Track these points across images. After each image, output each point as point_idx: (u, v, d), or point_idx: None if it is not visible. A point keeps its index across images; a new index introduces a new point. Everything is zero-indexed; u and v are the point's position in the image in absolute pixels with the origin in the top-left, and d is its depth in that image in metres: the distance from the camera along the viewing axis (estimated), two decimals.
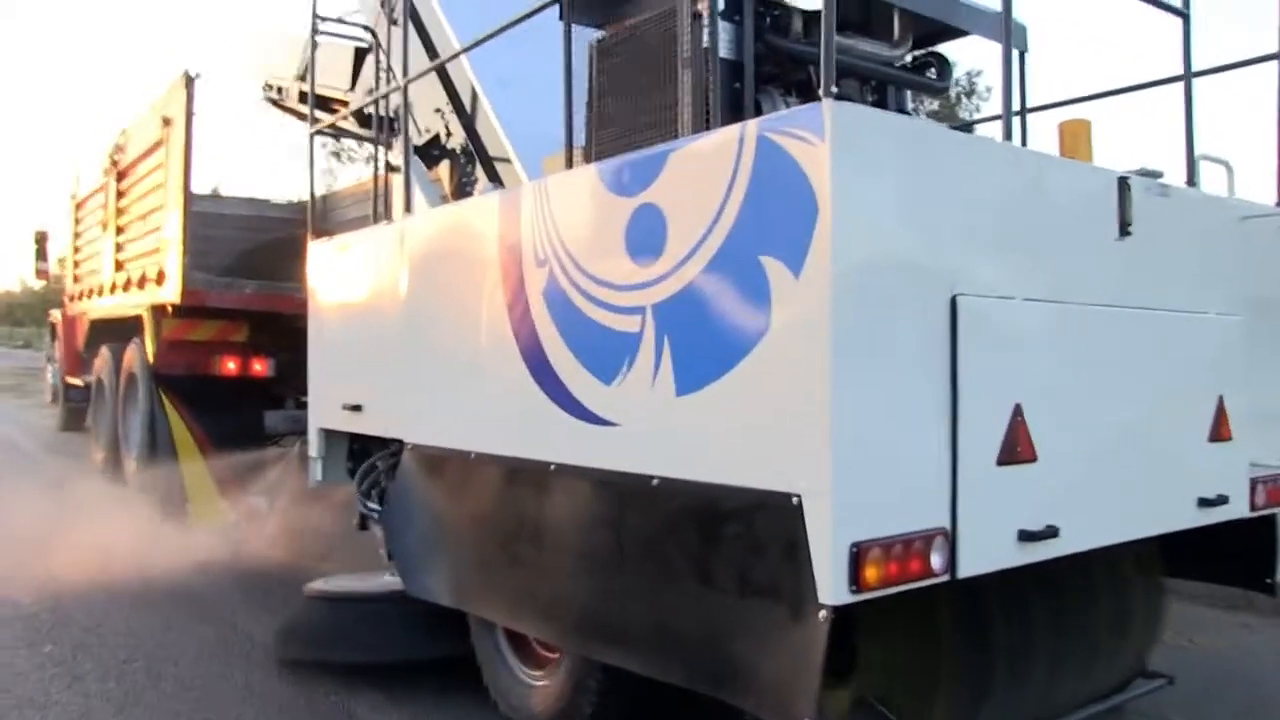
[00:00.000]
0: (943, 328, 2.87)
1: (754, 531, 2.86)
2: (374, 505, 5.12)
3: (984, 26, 4.05)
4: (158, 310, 8.74)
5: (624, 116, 3.79)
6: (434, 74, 5.51)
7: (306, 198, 6.48)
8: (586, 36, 3.99)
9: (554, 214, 3.67)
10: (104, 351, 10.72)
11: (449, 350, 4.39)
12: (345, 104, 7.15)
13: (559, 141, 3.94)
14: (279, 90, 8.91)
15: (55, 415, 15.76)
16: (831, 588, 2.60)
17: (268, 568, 7.04)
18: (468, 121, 5.58)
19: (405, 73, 5.09)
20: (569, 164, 3.88)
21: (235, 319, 8.70)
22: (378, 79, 6.41)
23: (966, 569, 2.85)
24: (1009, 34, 3.28)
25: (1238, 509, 3.83)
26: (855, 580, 2.62)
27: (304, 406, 6.03)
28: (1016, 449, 2.99)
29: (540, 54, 4.29)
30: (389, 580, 4.95)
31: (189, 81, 8.42)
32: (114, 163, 10.62)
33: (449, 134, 5.80)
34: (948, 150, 3.09)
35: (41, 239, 16.44)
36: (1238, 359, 3.87)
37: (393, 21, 6.01)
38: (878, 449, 2.73)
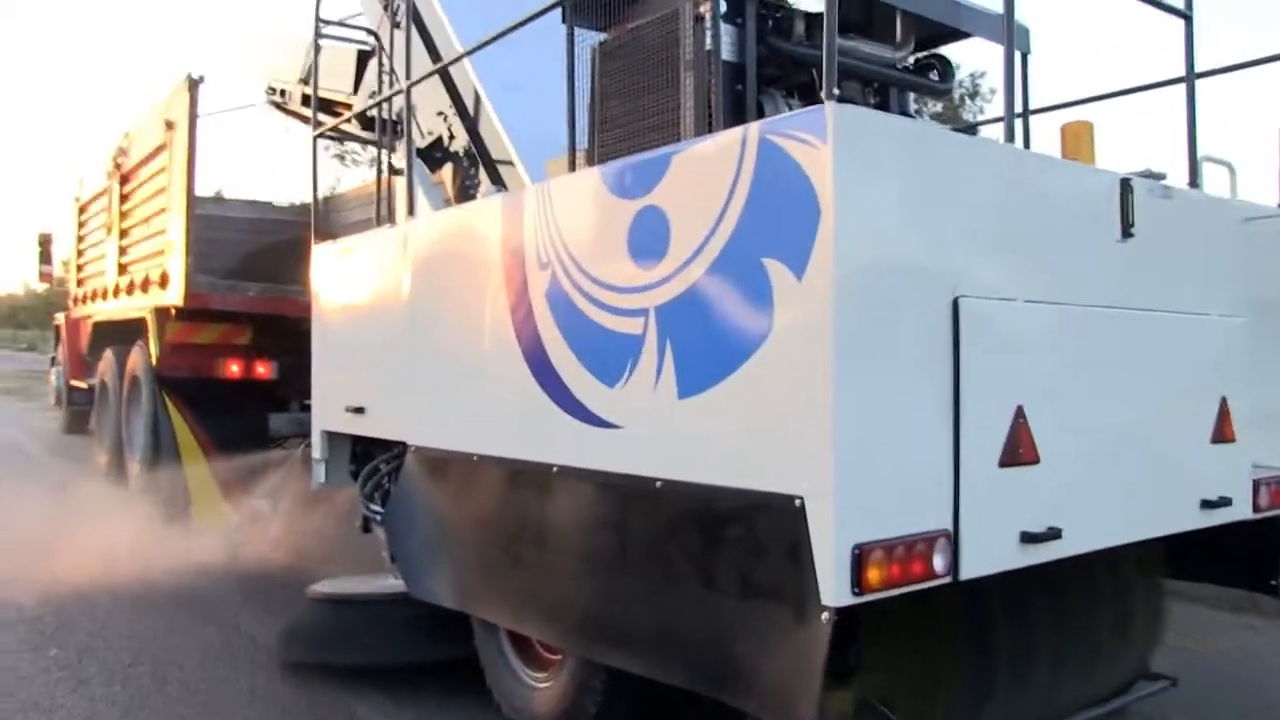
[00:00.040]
0: (945, 330, 2.87)
1: (756, 533, 2.86)
2: (377, 507, 5.13)
3: (986, 28, 4.06)
4: (161, 313, 8.75)
5: (626, 119, 3.80)
6: (437, 77, 5.53)
7: (310, 200, 6.49)
8: (589, 39, 4.00)
9: (557, 217, 3.68)
10: (108, 354, 10.74)
11: (452, 353, 4.39)
12: (348, 107, 7.17)
13: (562, 144, 3.95)
14: (282, 93, 8.94)
15: (59, 418, 15.79)
16: (834, 589, 2.61)
17: (271, 570, 7.05)
18: (470, 124, 5.59)
19: (408, 75, 5.10)
20: (571, 167, 3.89)
21: (239, 322, 8.71)
22: (380, 82, 6.43)
23: (969, 571, 2.85)
24: (1011, 36, 3.28)
25: (1241, 511, 3.83)
26: (857, 582, 2.62)
27: (307, 409, 6.03)
28: (1019, 451, 2.99)
29: (543, 57, 4.30)
30: (392, 582, 4.95)
31: (192, 85, 8.45)
32: (117, 166, 10.64)
33: (452, 137, 5.81)
34: (950, 152, 3.09)
35: (45, 242, 16.46)
36: (1241, 360, 3.87)
37: (395, 24, 6.03)
38: (880, 451, 2.73)
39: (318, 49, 6.50)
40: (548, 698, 4.11)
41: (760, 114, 3.62)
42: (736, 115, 3.52)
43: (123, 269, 10.34)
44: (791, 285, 2.75)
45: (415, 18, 5.54)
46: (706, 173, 3.04)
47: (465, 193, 5.68)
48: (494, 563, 4.08)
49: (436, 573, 4.47)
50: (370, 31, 6.70)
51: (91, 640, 5.64)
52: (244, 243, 10.28)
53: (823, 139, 2.68)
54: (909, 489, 2.79)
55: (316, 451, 5.72)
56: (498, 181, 5.33)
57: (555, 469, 3.65)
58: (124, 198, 10.48)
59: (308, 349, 5.84)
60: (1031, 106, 4.88)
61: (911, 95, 4.31)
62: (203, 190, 9.81)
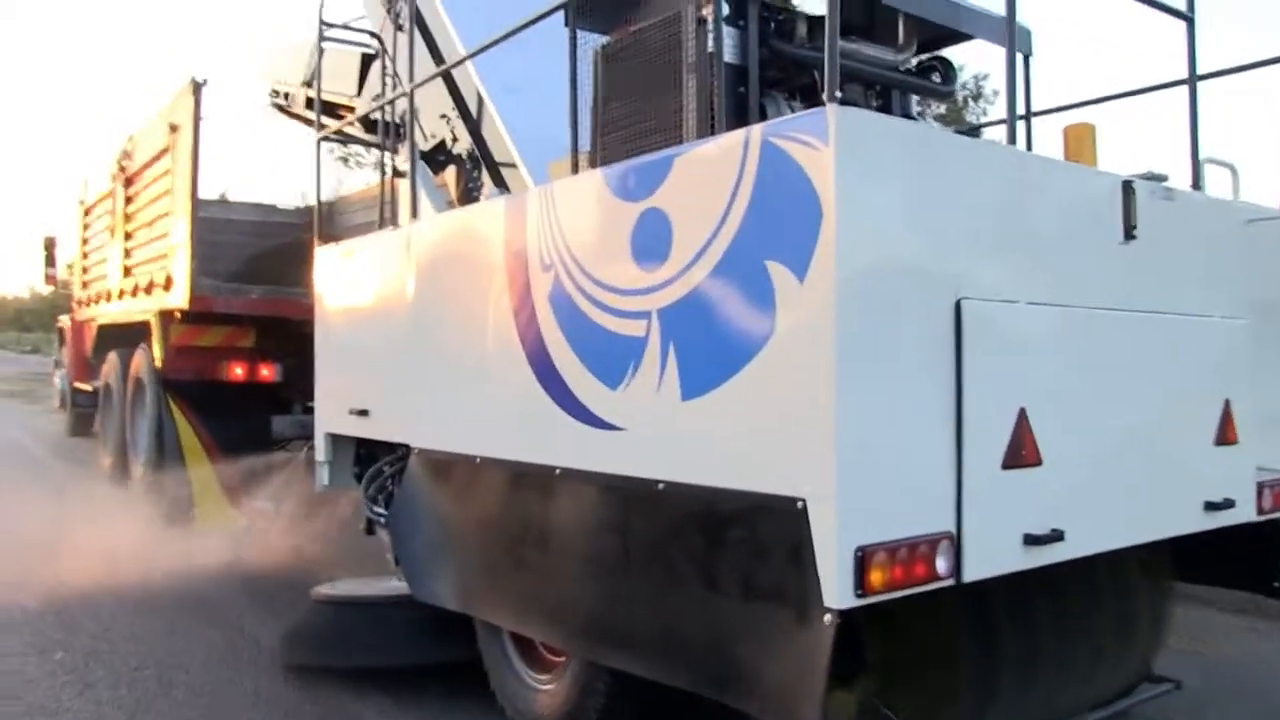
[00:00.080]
0: (947, 332, 2.87)
1: (759, 536, 2.86)
2: (380, 510, 5.13)
3: (988, 30, 4.06)
4: (165, 316, 8.77)
5: (629, 121, 3.80)
6: (440, 80, 5.53)
7: (313, 203, 6.50)
8: (592, 42, 4.00)
9: (559, 219, 3.68)
10: (112, 357, 10.76)
11: (455, 355, 4.40)
12: (351, 110, 7.18)
13: (564, 147, 3.95)
14: (286, 96, 8.96)
15: (64, 421, 15.82)
16: (837, 592, 2.61)
17: (275, 572, 7.05)
18: (473, 127, 5.59)
19: (411, 78, 5.11)
20: (574, 169, 3.90)
21: (242, 324, 8.73)
22: (384, 85, 6.44)
23: (971, 573, 2.85)
24: (1013, 38, 3.28)
25: (1244, 513, 3.82)
26: (860, 584, 2.62)
27: (311, 411, 6.05)
28: (1021, 453, 2.99)
29: (546, 59, 4.30)
30: (396, 585, 4.96)
31: (196, 88, 8.47)
32: (122, 169, 10.67)
33: (455, 139, 5.82)
34: (952, 155, 3.09)
35: (50, 245, 16.51)
36: (1244, 362, 3.87)
37: (399, 28, 6.03)
38: (882, 453, 2.73)
39: (321, 52, 6.51)
40: (551, 700, 4.11)
41: (763, 116, 3.62)
42: (739, 118, 3.52)
43: (127, 272, 10.37)
44: (794, 287, 2.75)
45: (418, 20, 5.54)
46: (709, 175, 3.04)
47: (468, 195, 5.69)
48: (497, 565, 4.09)
49: (440, 575, 4.47)
50: (373, 34, 6.71)
51: (97, 643, 5.64)
52: (248, 245, 10.31)
53: (825, 141, 2.68)
54: (911, 491, 2.79)
55: (320, 454, 5.72)
56: (501, 184, 5.34)
57: (558, 471, 3.65)
58: (128, 201, 10.51)
59: (311, 351, 5.85)
60: (1034, 109, 4.88)
61: (914, 97, 4.31)
62: (207, 193, 9.84)
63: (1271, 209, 4.15)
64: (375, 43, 6.72)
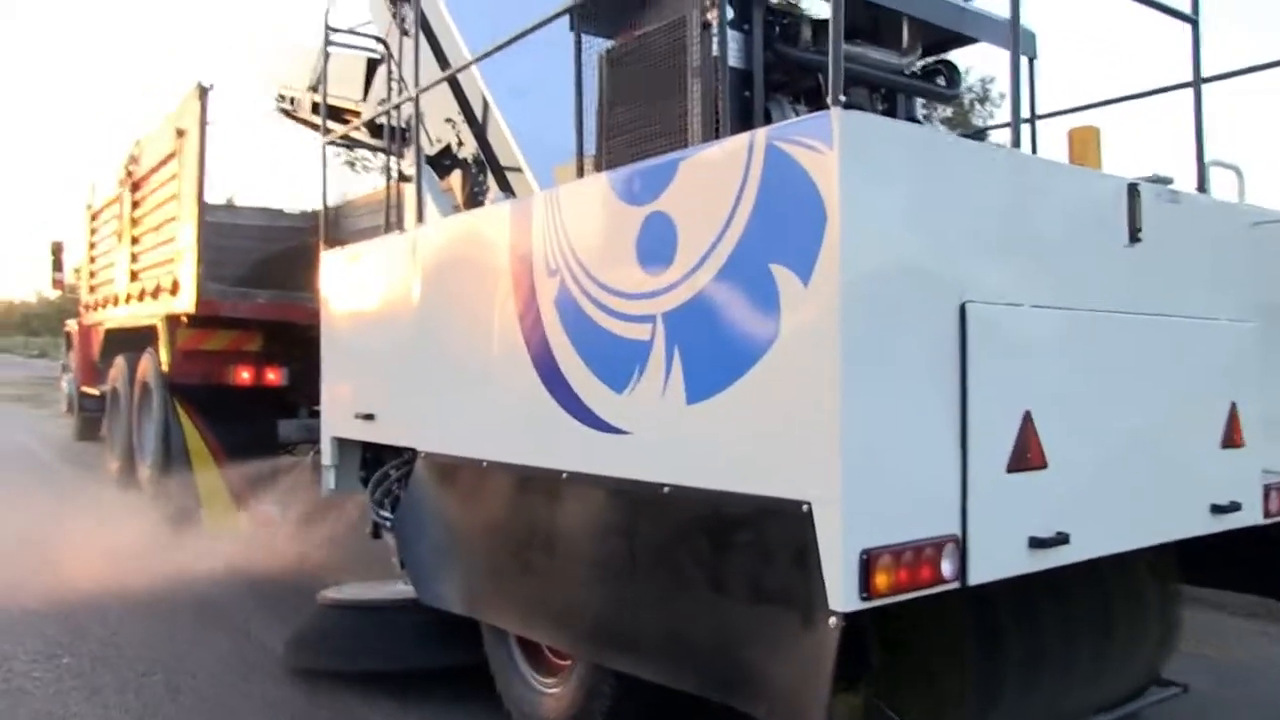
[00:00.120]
0: (952, 335, 2.87)
1: (764, 539, 2.86)
2: (386, 513, 5.14)
3: (992, 34, 4.07)
4: (172, 320, 8.80)
5: (634, 125, 3.81)
6: (445, 84, 5.55)
7: (319, 207, 6.52)
8: (597, 46, 4.02)
9: (565, 223, 3.69)
10: (119, 361, 10.79)
11: (461, 359, 4.41)
12: (357, 114, 7.20)
13: (570, 151, 3.96)
14: (292, 101, 8.99)
15: (71, 425, 15.85)
16: (842, 595, 2.61)
17: (282, 576, 7.05)
18: (479, 131, 5.61)
19: (417, 83, 5.12)
20: (580, 173, 3.91)
21: (249, 329, 8.75)
22: (389, 89, 6.45)
23: (977, 576, 2.85)
24: (1017, 41, 3.29)
25: (1251, 516, 3.82)
26: (866, 587, 2.62)
27: (317, 415, 6.06)
28: (1027, 456, 2.99)
29: (551, 64, 4.31)
30: (402, 588, 4.96)
31: (203, 93, 8.49)
32: (129, 174, 10.70)
33: (461, 144, 5.84)
34: (956, 158, 3.09)
35: (57, 249, 16.56)
36: (1250, 365, 3.86)
37: (404, 32, 6.06)
38: (888, 456, 2.73)
39: (327, 57, 6.54)
40: (557, 703, 4.11)
41: (767, 120, 3.63)
42: (744, 121, 3.53)
43: (134, 276, 10.40)
44: (798, 291, 2.75)
45: (424, 25, 5.56)
46: (713, 179, 3.05)
47: (474, 199, 5.71)
48: (503, 569, 4.09)
49: (446, 579, 4.48)
50: (379, 39, 6.73)
51: (104, 648, 5.65)
52: (254, 250, 10.34)
53: (829, 145, 2.68)
54: (917, 494, 2.79)
55: (326, 458, 5.74)
56: (506, 188, 5.35)
57: (564, 475, 3.66)
58: (135, 205, 10.54)
59: (317, 355, 5.86)
60: (1039, 111, 4.88)
61: (919, 101, 4.32)
62: (213, 198, 9.88)
63: (1277, 211, 4.15)
64: (381, 48, 6.74)
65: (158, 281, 9.27)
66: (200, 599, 6.62)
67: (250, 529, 8.07)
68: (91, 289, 13.15)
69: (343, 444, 5.63)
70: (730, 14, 3.58)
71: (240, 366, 8.74)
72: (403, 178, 6.05)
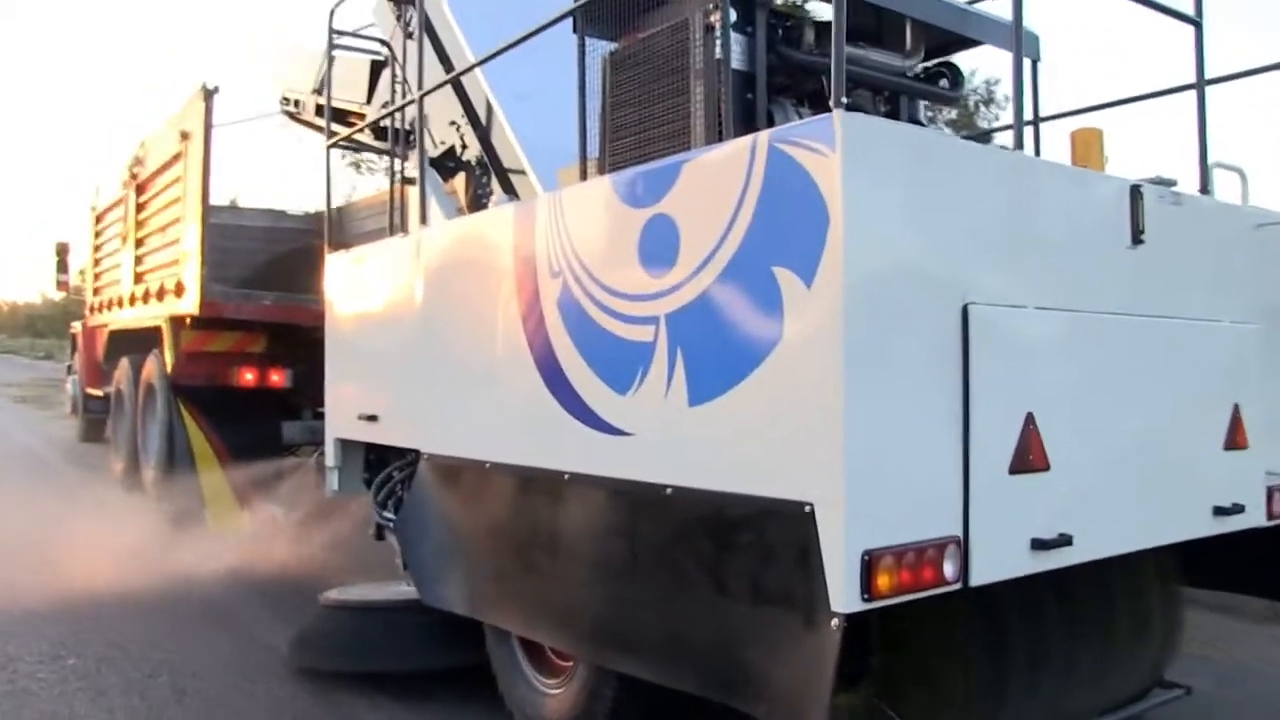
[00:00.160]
0: (954, 337, 2.88)
1: (766, 540, 2.87)
2: (390, 515, 5.14)
3: (996, 36, 4.07)
4: (176, 322, 8.81)
5: (637, 128, 3.81)
6: (449, 87, 5.56)
7: (323, 209, 6.53)
8: (600, 49, 4.02)
9: (568, 225, 3.70)
10: (123, 363, 10.81)
11: (464, 361, 4.42)
12: (362, 117, 7.21)
13: (573, 153, 3.97)
14: (296, 103, 8.99)
15: (75, 426, 15.88)
16: (844, 596, 2.61)
17: (285, 577, 7.07)
18: (483, 134, 5.62)
19: (421, 86, 5.14)
20: (583, 175, 3.91)
21: (253, 330, 8.76)
22: (393, 92, 6.46)
23: (979, 577, 2.86)
24: (1019, 43, 3.29)
25: (1254, 518, 3.82)
26: (867, 588, 2.62)
27: (321, 417, 6.06)
28: (1029, 457, 2.99)
29: (555, 66, 4.32)
30: (405, 589, 4.97)
31: (207, 95, 8.51)
32: (133, 175, 10.72)
33: (464, 146, 5.85)
34: (958, 160, 3.10)
35: (62, 251, 16.58)
36: (1253, 367, 3.86)
37: (408, 35, 6.07)
38: (890, 458, 2.74)
39: (331, 60, 6.54)
40: (559, 704, 4.12)
41: (770, 122, 3.64)
42: (747, 124, 3.54)
43: (138, 278, 10.42)
44: (801, 293, 2.76)
45: (428, 28, 5.57)
46: (716, 181, 3.05)
47: (478, 202, 5.71)
48: (506, 570, 4.10)
49: (449, 580, 4.49)
50: (383, 42, 6.74)
51: (109, 650, 5.65)
52: (258, 251, 10.37)
53: (831, 147, 2.69)
54: (919, 495, 2.79)
55: (330, 459, 5.75)
56: (510, 190, 5.36)
57: (567, 476, 3.66)
58: (140, 207, 10.57)
59: (321, 357, 5.87)
60: (1042, 113, 4.88)
61: (922, 103, 4.32)
62: (218, 199, 9.89)
63: None
64: (385, 50, 6.75)
65: (162, 283, 9.29)
66: (205, 600, 6.64)
67: (254, 530, 8.08)
68: (96, 291, 13.17)
69: (346, 445, 5.64)
70: (733, 17, 3.58)
71: (244, 368, 8.76)
72: (406, 180, 6.05)
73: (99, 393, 13.12)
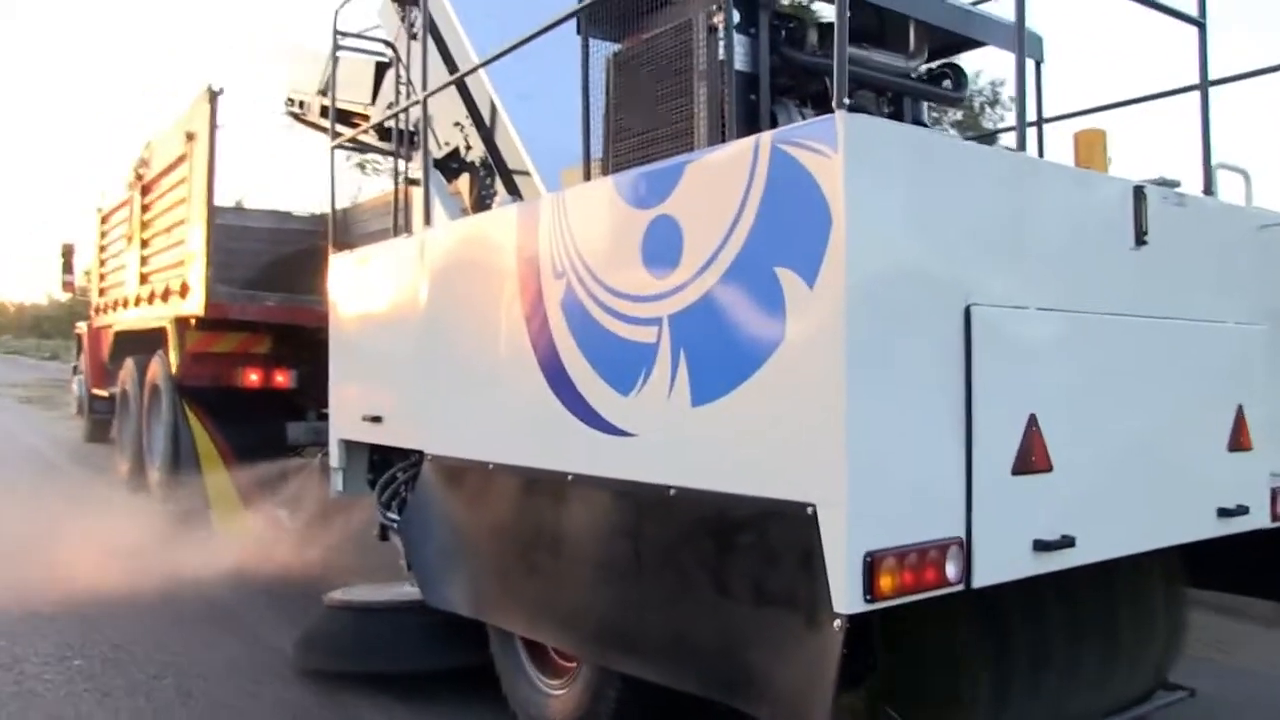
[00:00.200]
0: (957, 338, 2.87)
1: (769, 541, 2.87)
2: (394, 515, 5.15)
3: (999, 37, 4.06)
4: (181, 323, 8.83)
5: (641, 129, 3.82)
6: (453, 88, 5.57)
7: (328, 210, 6.54)
8: (604, 50, 4.03)
9: (571, 226, 3.70)
10: (128, 364, 10.83)
11: (468, 362, 4.42)
12: (366, 118, 7.22)
13: (577, 154, 3.98)
14: (301, 105, 9.01)
15: (81, 427, 15.91)
16: (846, 597, 2.61)
17: (290, 578, 7.07)
18: (487, 135, 5.62)
19: (425, 87, 5.14)
20: (586, 176, 3.92)
21: (258, 331, 8.79)
22: (398, 93, 6.48)
23: (981, 579, 2.85)
24: (1022, 45, 3.29)
25: (1258, 519, 3.81)
26: (869, 589, 2.62)
27: (325, 418, 6.08)
28: (1031, 459, 2.99)
29: (558, 68, 4.32)
30: (408, 590, 4.98)
31: (212, 96, 8.54)
32: (138, 177, 10.75)
33: (468, 147, 5.85)
34: (961, 161, 3.10)
35: (68, 252, 16.62)
36: (1257, 368, 3.86)
37: (412, 36, 6.08)
38: (892, 459, 2.74)
39: (335, 61, 6.55)
40: (563, 705, 4.12)
41: (774, 123, 3.63)
42: (750, 125, 3.53)
43: (144, 279, 10.45)
44: (803, 294, 2.76)
45: (432, 29, 5.58)
46: (719, 182, 3.06)
47: (482, 202, 5.72)
48: (509, 571, 4.11)
49: (452, 581, 4.49)
50: (387, 43, 6.76)
51: (115, 651, 5.65)
52: (263, 252, 10.39)
53: (834, 148, 2.69)
54: (921, 497, 2.79)
55: (334, 460, 5.76)
56: (514, 191, 5.37)
57: (570, 477, 3.67)
58: (145, 208, 10.60)
59: (325, 358, 5.88)
60: (1046, 114, 4.87)
61: (925, 104, 4.32)
62: (223, 200, 9.92)
63: None
64: (389, 51, 6.76)
65: (167, 284, 9.31)
66: (210, 601, 6.65)
67: (259, 531, 8.09)
68: (101, 292, 13.21)
69: (350, 446, 5.65)
70: (736, 18, 3.58)
71: (249, 369, 8.78)
72: (411, 181, 6.06)
73: (104, 393, 13.15)
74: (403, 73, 6.40)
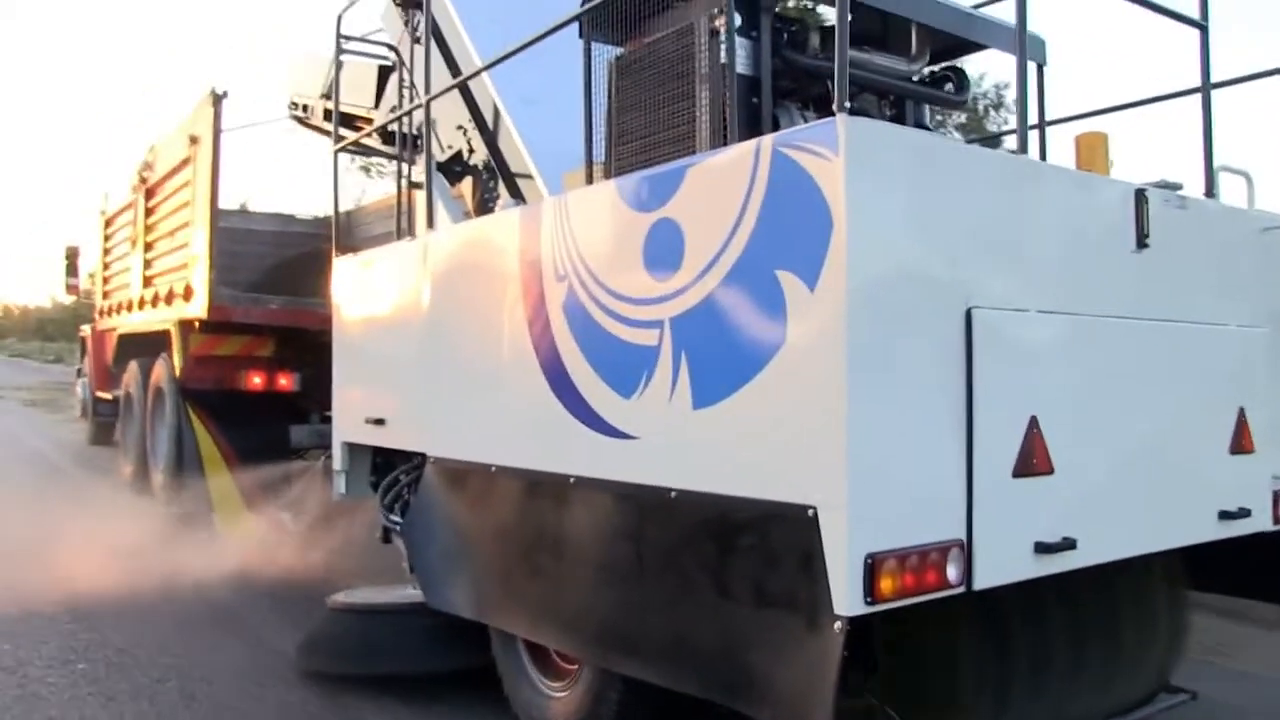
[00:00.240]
0: (958, 340, 2.88)
1: (770, 543, 2.88)
2: (396, 518, 5.16)
3: (1001, 40, 4.07)
4: (185, 325, 8.85)
5: (643, 132, 3.83)
6: (456, 91, 5.57)
7: (331, 213, 6.56)
8: (606, 54, 4.04)
9: (574, 229, 3.71)
10: (132, 366, 10.85)
11: (470, 364, 4.43)
12: (369, 121, 7.23)
13: (580, 157, 3.98)
14: (304, 108, 9.02)
15: (85, 430, 15.93)
16: (846, 599, 2.62)
17: (293, 580, 7.08)
18: (490, 138, 5.63)
19: (428, 90, 5.16)
20: (589, 179, 3.93)
21: (261, 334, 8.80)
22: (401, 96, 6.49)
23: (982, 581, 2.86)
24: (1023, 47, 3.29)
25: (1260, 522, 3.81)
26: (870, 591, 2.63)
27: (328, 421, 6.09)
28: (1032, 461, 2.99)
29: (561, 71, 4.33)
30: (411, 593, 4.99)
31: (216, 100, 8.55)
32: (142, 180, 10.77)
33: (471, 150, 5.86)
34: (962, 164, 3.10)
35: (72, 255, 16.65)
36: (1259, 371, 3.86)
37: (415, 40, 6.08)
38: (893, 461, 2.74)
39: (339, 64, 6.57)
40: (565, 707, 4.13)
41: (775, 127, 3.64)
42: (752, 128, 3.54)
43: (147, 282, 10.46)
44: (804, 297, 2.77)
45: (435, 33, 5.59)
46: (720, 185, 3.06)
47: (484, 206, 5.72)
48: (511, 573, 4.11)
49: (455, 583, 4.50)
50: (391, 47, 6.77)
51: (119, 654, 5.65)
52: (267, 255, 10.40)
53: (835, 151, 2.70)
54: (922, 499, 2.80)
55: (337, 463, 5.77)
56: (516, 194, 5.37)
57: (572, 480, 3.67)
58: (149, 211, 10.61)
59: (329, 361, 5.89)
60: (1048, 117, 4.88)
61: (928, 107, 4.32)
62: (227, 203, 9.93)
63: None
64: (392, 55, 6.77)
65: (171, 287, 9.33)
66: (213, 604, 6.65)
67: (262, 534, 8.10)
68: (105, 294, 13.23)
69: (353, 449, 5.66)
70: (738, 21, 3.59)
71: (252, 372, 8.79)
72: (414, 184, 6.07)
73: (108, 396, 13.18)
74: (406, 76, 6.40)
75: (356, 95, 7.31)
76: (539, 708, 4.28)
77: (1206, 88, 4.15)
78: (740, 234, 2.97)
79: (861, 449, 2.66)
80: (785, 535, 2.80)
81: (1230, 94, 4.39)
